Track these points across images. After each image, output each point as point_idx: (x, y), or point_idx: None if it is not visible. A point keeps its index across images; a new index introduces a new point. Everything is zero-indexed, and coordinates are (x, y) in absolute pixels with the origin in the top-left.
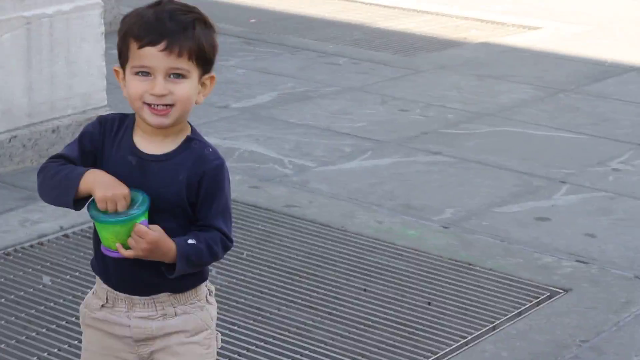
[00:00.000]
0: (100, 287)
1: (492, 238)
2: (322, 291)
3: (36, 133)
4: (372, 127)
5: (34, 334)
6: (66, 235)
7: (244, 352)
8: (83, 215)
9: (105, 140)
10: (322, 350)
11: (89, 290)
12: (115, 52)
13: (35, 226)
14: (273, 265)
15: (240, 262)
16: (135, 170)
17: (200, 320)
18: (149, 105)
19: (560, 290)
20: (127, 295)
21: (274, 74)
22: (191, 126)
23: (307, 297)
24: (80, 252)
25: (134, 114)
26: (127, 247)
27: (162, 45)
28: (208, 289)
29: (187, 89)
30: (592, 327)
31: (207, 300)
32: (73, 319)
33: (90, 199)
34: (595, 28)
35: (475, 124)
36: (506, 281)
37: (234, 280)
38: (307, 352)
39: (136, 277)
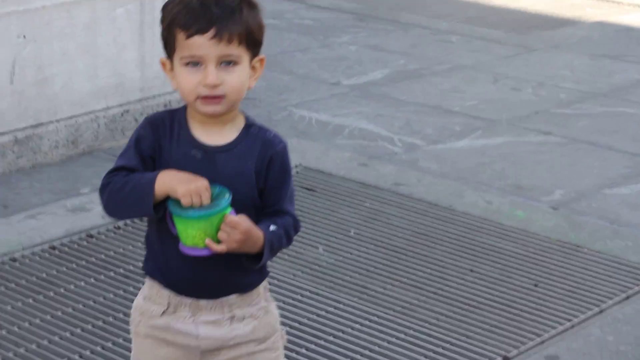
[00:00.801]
0: (159, 292)
1: (602, 220)
2: (428, 270)
3: (148, 107)
4: (483, 105)
5: (78, 330)
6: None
7: (349, 329)
8: None
9: (161, 141)
10: (426, 330)
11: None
12: None
13: None
14: (380, 243)
15: (347, 239)
16: (203, 164)
17: (269, 326)
18: (203, 97)
19: None
20: (193, 299)
21: (386, 51)
22: (244, 113)
23: (413, 277)
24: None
25: (183, 107)
26: (217, 242)
27: (211, 32)
28: (264, 286)
29: (239, 76)
30: None
31: (267, 298)
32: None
33: (168, 200)
34: None
35: (588, 104)
36: (614, 264)
37: (340, 258)
38: (411, 331)
39: (205, 277)
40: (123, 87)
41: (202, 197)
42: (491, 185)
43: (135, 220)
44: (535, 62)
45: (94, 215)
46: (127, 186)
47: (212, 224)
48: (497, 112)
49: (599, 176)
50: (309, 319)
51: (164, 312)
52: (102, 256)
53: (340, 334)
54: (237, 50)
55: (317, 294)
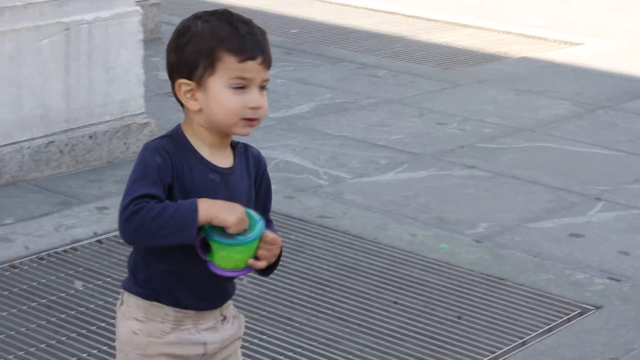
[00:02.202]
0: (161, 311)
1: (525, 253)
2: (353, 303)
3: (73, 139)
4: (408, 139)
5: (64, 338)
6: (100, 241)
7: None
8: (115, 220)
9: (177, 168)
10: None
11: (119, 295)
12: (155, 59)
13: (69, 231)
14: (304, 275)
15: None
16: (221, 187)
17: (242, 321)
18: (246, 119)
19: (592, 307)
20: (197, 311)
21: (313, 85)
22: None
23: (338, 309)
24: (114, 258)
25: (180, 134)
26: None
27: (260, 59)
28: None
29: (267, 100)
30: (622, 344)
31: None
32: (104, 324)
33: (206, 229)
34: (636, 45)
35: (512, 139)
36: (537, 297)
37: (265, 290)
38: None
39: (218, 290)
40: (48, 118)
41: (245, 224)
42: (416, 218)
43: (58, 251)
44: (461, 96)
45: (17, 245)
46: (164, 214)
47: (255, 245)
48: (423, 146)
49: (523, 210)
50: None
51: (173, 328)
52: (25, 287)
53: None
54: (268, 76)
55: None
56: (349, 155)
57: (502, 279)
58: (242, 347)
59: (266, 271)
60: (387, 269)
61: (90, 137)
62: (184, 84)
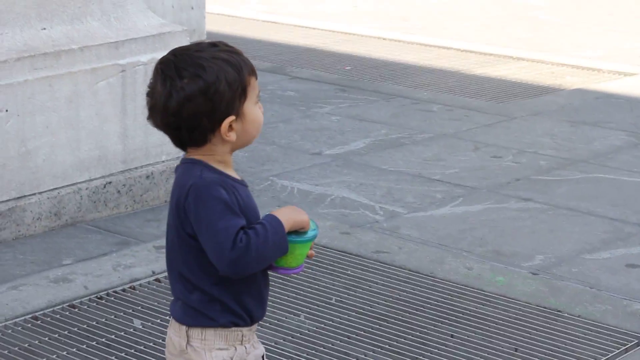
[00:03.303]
0: (240, 333)
1: (582, 285)
2: (410, 337)
3: (131, 179)
4: (464, 173)
5: None
6: (158, 280)
7: None
8: None
9: (232, 194)
10: None
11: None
12: None
13: (128, 270)
14: (361, 310)
15: (329, 307)
16: (253, 197)
17: None
18: None
19: None
20: (256, 324)
21: (367, 121)
22: None
23: (395, 343)
24: (171, 296)
25: (205, 164)
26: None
27: None
28: None
29: None
30: None
31: None
32: None
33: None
34: None
35: (568, 171)
36: (594, 328)
37: (322, 325)
38: None
39: (268, 296)
40: (105, 159)
41: None
42: (472, 251)
43: (117, 291)
44: (516, 129)
45: (76, 285)
46: (266, 239)
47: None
48: (478, 180)
49: (579, 241)
50: None
51: (249, 347)
52: (85, 326)
53: None
54: None
55: None
56: (405, 190)
57: (558, 311)
58: None
59: None
60: (444, 302)
61: (148, 177)
62: (232, 121)
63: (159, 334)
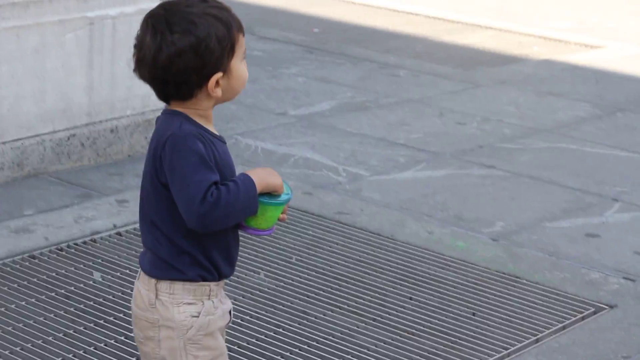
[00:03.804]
0: (208, 288)
1: (541, 252)
2: (369, 298)
3: (95, 132)
4: (428, 138)
5: (81, 328)
6: (119, 234)
7: (288, 354)
8: (136, 214)
9: (209, 147)
10: (365, 356)
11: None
12: None
13: (89, 223)
14: (321, 270)
15: (289, 266)
16: (229, 154)
17: None
18: None
19: (606, 306)
20: (224, 280)
21: (333, 83)
22: None
23: (353, 303)
24: (132, 250)
25: (184, 116)
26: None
27: None
28: None
29: None
30: (635, 343)
31: None
32: (121, 315)
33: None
34: None
35: (531, 140)
36: (552, 295)
37: (282, 284)
38: (349, 357)
39: (238, 253)
40: (70, 111)
41: None
42: (433, 216)
43: (78, 243)
44: (481, 97)
45: (37, 236)
46: (237, 197)
47: None
48: (442, 146)
49: (540, 209)
50: (249, 342)
51: (216, 302)
52: (44, 277)
53: (280, 358)
54: None
55: (259, 319)
56: (368, 153)
57: (517, 277)
58: (259, 339)
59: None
60: (404, 265)
61: (112, 130)
62: (219, 78)
63: (118, 287)
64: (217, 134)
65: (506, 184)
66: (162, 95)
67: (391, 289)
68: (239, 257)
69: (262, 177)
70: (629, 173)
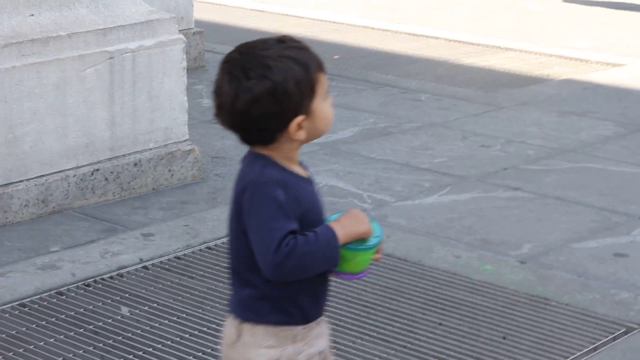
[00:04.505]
0: (292, 332)
1: (569, 273)
2: (397, 325)
3: (118, 166)
4: (452, 162)
5: None
6: (145, 267)
7: None
8: (162, 247)
9: (293, 194)
10: None
11: (166, 321)
12: (199, 87)
13: (115, 258)
14: (349, 298)
15: None
16: (317, 195)
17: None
18: None
19: (637, 326)
20: (315, 321)
21: (356, 110)
22: None
23: (382, 331)
24: (159, 283)
25: (268, 160)
26: None
27: None
28: None
29: None
30: None
31: None
32: (150, 349)
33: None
34: None
35: (555, 160)
36: (582, 316)
37: None
38: None
39: (327, 293)
40: (93, 146)
41: None
42: (460, 240)
43: (105, 278)
44: (504, 119)
45: (64, 272)
46: (314, 248)
47: None
48: (466, 169)
49: (567, 230)
50: None
51: (303, 346)
52: (72, 313)
53: None
54: None
55: None
56: (393, 179)
57: (546, 299)
58: None
59: None
60: (432, 290)
61: (135, 164)
62: (301, 120)
63: (146, 322)
64: (304, 174)
65: (532, 206)
66: (245, 140)
67: (420, 315)
68: None
69: (346, 226)
70: None
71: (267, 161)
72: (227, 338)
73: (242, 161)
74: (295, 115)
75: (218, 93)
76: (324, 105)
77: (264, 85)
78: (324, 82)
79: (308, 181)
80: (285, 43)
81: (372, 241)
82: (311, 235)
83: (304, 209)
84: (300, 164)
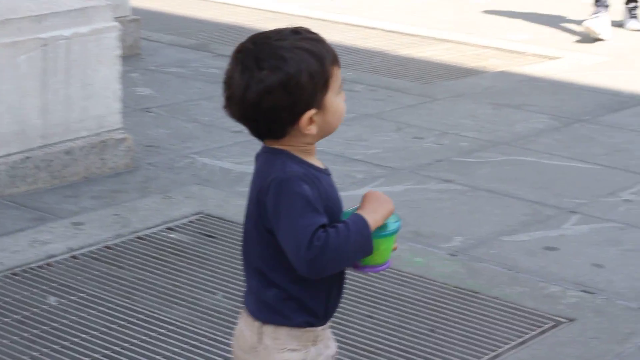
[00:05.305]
0: (314, 334)
1: (500, 267)
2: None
3: (50, 154)
4: (385, 154)
5: (37, 354)
6: (75, 257)
7: None
8: (92, 237)
9: (317, 187)
10: None
11: (94, 311)
12: (134, 75)
13: (44, 247)
14: None
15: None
16: (335, 186)
17: None
18: None
19: (565, 320)
20: (328, 324)
21: None
22: None
23: None
24: (88, 273)
25: (286, 154)
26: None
27: None
28: None
29: None
30: (594, 357)
31: None
32: (77, 339)
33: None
34: (614, 59)
35: (489, 153)
36: (511, 310)
37: (239, 305)
38: None
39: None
40: (24, 134)
41: None
42: None
43: (33, 267)
44: (439, 111)
45: None
46: (347, 240)
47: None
48: (400, 160)
49: (498, 223)
50: None
51: (323, 348)
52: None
53: None
54: None
55: (216, 340)
56: None
57: (476, 292)
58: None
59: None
60: (362, 283)
61: (67, 152)
62: (313, 115)
63: (74, 312)
64: (322, 166)
65: (464, 198)
66: (255, 133)
67: (350, 307)
68: (196, 278)
69: (374, 210)
70: (587, 185)
71: (287, 156)
72: (245, 342)
73: (257, 159)
74: (307, 109)
75: (228, 84)
76: (336, 100)
77: (276, 77)
78: (338, 76)
79: (326, 173)
80: (300, 34)
81: (393, 226)
82: (341, 226)
83: (326, 201)
84: None
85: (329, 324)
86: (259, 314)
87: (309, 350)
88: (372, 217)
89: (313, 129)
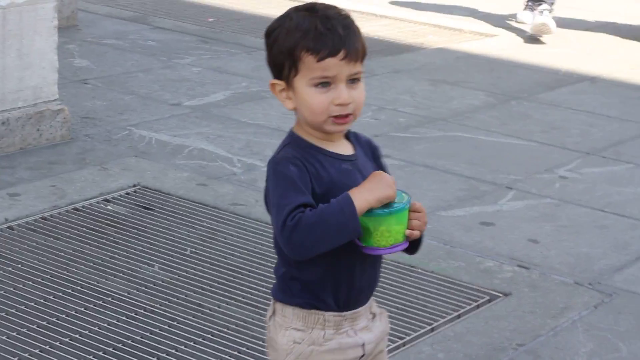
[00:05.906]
0: (322, 317)
1: (436, 241)
2: (264, 289)
3: None
4: None
5: None
6: (11, 228)
7: (182, 347)
8: (28, 208)
9: (309, 171)
10: (261, 348)
11: (30, 282)
12: (71, 46)
13: None
14: (216, 262)
15: (184, 258)
16: (354, 174)
17: (387, 317)
18: (334, 116)
19: (500, 295)
20: (353, 311)
21: (228, 73)
22: None
23: (249, 295)
24: (25, 244)
25: (293, 136)
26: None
27: (342, 54)
28: None
29: (362, 92)
30: (530, 331)
31: None
32: (13, 310)
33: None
34: (551, 37)
35: (426, 128)
36: (447, 284)
37: (176, 276)
38: (245, 349)
39: (367, 284)
40: None
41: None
42: None
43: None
44: (376, 86)
45: None
46: (323, 217)
47: (406, 214)
48: None
49: (435, 198)
50: (143, 336)
51: (333, 334)
52: None
53: (174, 352)
54: (360, 67)
55: (153, 312)
56: (263, 144)
57: (412, 266)
58: (153, 332)
59: (414, 248)
60: None
61: (3, 123)
62: (276, 84)
63: (10, 282)
64: (344, 152)
65: (401, 173)
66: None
67: None
68: (133, 250)
69: (368, 190)
70: (523, 161)
71: (292, 139)
72: (268, 314)
73: None
74: (276, 77)
75: None
76: (307, 90)
77: (270, 24)
78: (313, 69)
79: (340, 158)
80: (317, 12)
81: (397, 206)
82: (323, 205)
83: (326, 185)
84: (356, 138)
85: (355, 313)
86: (274, 291)
87: (317, 333)
88: (363, 196)
89: (288, 104)
